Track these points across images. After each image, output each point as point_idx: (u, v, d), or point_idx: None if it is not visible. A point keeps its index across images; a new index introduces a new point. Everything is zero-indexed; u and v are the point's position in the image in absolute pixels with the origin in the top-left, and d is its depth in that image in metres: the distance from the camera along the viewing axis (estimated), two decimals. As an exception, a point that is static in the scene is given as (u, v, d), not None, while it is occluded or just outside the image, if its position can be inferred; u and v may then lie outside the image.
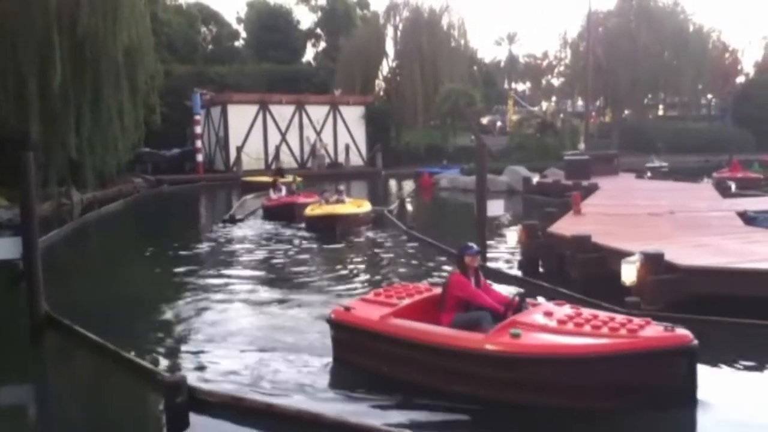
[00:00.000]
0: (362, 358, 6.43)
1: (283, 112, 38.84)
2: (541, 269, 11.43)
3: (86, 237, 18.69)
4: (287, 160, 38.42)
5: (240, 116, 37.69)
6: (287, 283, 10.92)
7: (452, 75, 40.76)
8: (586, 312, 6.17)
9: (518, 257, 11.95)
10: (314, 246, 14.52)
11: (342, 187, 18.95)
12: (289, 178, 28.86)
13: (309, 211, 16.66)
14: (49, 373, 7.45)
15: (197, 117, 37.60)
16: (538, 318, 6.04)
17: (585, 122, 34.98)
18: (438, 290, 7.02)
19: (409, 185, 31.43)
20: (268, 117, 38.58)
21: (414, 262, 12.50)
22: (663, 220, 12.69)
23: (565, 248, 10.63)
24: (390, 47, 47.41)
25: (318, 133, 39.73)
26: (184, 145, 40.04)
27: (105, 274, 12.95)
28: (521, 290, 6.58)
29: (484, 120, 55.76)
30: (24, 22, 18.86)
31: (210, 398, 5.68)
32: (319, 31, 59.42)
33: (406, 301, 6.71)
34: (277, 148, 38.04)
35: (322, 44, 59.96)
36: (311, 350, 7.18)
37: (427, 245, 13.73)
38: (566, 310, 6.24)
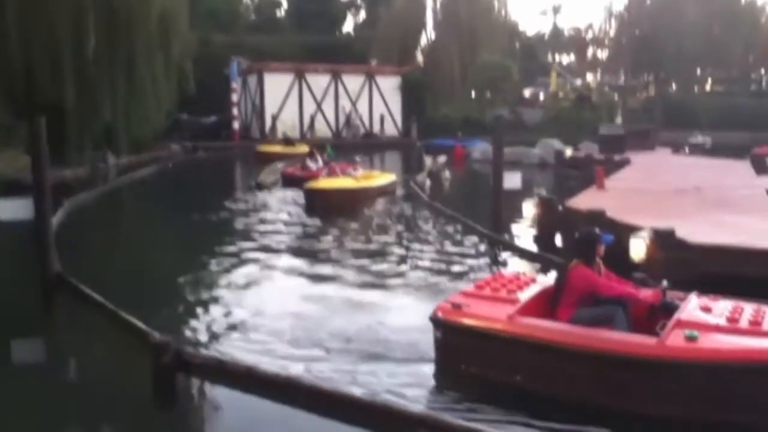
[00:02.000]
0: (484, 366, 5.48)
1: (319, 81, 38.86)
2: (559, 244, 11.28)
3: (116, 200, 19.12)
4: (322, 129, 38.60)
5: (276, 85, 37.82)
6: (309, 257, 10.50)
7: (491, 47, 40.07)
8: (748, 307, 5.39)
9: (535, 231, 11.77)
10: (327, 221, 13.67)
11: (358, 159, 18.62)
12: (300, 147, 29.01)
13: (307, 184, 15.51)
14: (55, 331, 7.63)
15: (234, 85, 37.84)
16: (702, 315, 5.22)
17: (623, 96, 33.90)
18: (543, 280, 6.38)
19: (442, 157, 31.19)
20: (304, 86, 38.63)
21: (430, 237, 12.30)
22: (687, 197, 12.36)
23: (580, 223, 10.43)
24: (429, 18, 46.81)
25: (353, 103, 39.67)
26: (223, 112, 40.43)
27: (125, 237, 13.25)
28: (664, 283, 5.66)
29: (527, 92, 54.96)
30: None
31: (195, 360, 5.75)
32: (359, 1, 58.95)
33: (525, 296, 5.80)
34: (312, 117, 38.16)
35: (362, 15, 59.56)
36: (390, 350, 6.19)
37: (449, 218, 13.56)
38: (724, 304, 5.50)
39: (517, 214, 13.22)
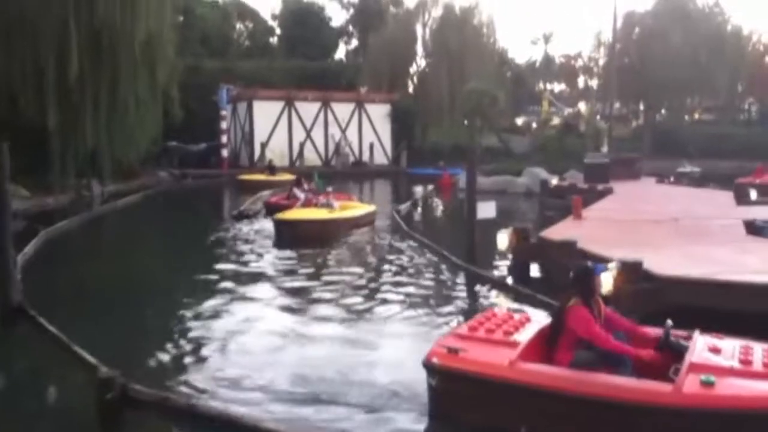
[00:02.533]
0: (485, 415, 5.13)
1: (308, 108, 38.96)
2: (534, 274, 11.21)
3: (96, 228, 18.93)
4: (311, 158, 38.62)
5: (265, 112, 37.93)
6: (278, 290, 10.32)
7: (480, 74, 40.29)
8: (757, 347, 5.22)
9: (508, 262, 11.68)
10: (299, 253, 13.21)
11: (330, 189, 17.87)
12: (283, 176, 28.90)
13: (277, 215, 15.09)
14: (8, 361, 7.47)
15: (223, 112, 37.93)
16: (714, 358, 5.02)
17: (609, 125, 34.08)
18: (538, 320, 6.08)
19: (429, 186, 31.21)
20: (294, 114, 38.73)
21: (409, 269, 12.01)
22: (663, 227, 12.31)
23: (553, 253, 10.38)
24: (419, 46, 47.17)
25: (343, 131, 39.75)
26: (213, 139, 40.46)
27: (100, 263, 13.11)
28: (669, 322, 5.38)
29: (519, 121, 55.24)
30: (41, 12, 19.13)
31: (139, 396, 5.62)
32: (351, 28, 59.44)
33: (523, 338, 5.44)
34: (302, 145, 38.20)
35: (354, 42, 60.02)
36: (371, 395, 5.84)
37: (428, 249, 13.37)
38: (732, 344, 5.31)
39: (494, 244, 13.11)
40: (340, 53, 59.94)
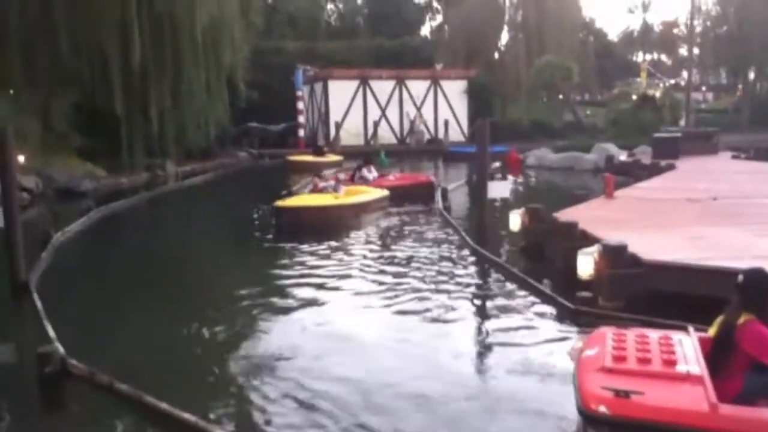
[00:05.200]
0: None
1: (383, 87, 38.99)
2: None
3: (155, 207, 19.83)
4: (386, 136, 38.68)
5: (340, 92, 38.26)
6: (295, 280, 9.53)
7: (560, 46, 38.87)
8: None
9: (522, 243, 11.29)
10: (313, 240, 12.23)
11: (343, 176, 17.11)
12: (330, 156, 28.71)
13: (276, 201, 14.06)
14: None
15: (299, 93, 38.59)
16: None
17: (687, 95, 32.01)
18: (683, 337, 4.79)
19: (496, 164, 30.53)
20: (368, 92, 38.86)
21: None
22: (694, 207, 11.53)
23: (555, 235, 9.95)
24: (499, 19, 45.93)
25: (418, 109, 39.49)
26: (292, 120, 41.33)
27: (139, 242, 13.72)
28: None
29: (616, 91, 52.87)
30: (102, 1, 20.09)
31: (78, 372, 5.87)
32: (435, 3, 58.78)
33: (698, 370, 4.27)
34: (376, 124, 38.30)
35: (439, 18, 59.37)
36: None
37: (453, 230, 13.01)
38: None
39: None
40: (426, 30, 59.54)
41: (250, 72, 31.91)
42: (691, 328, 4.93)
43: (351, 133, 37.55)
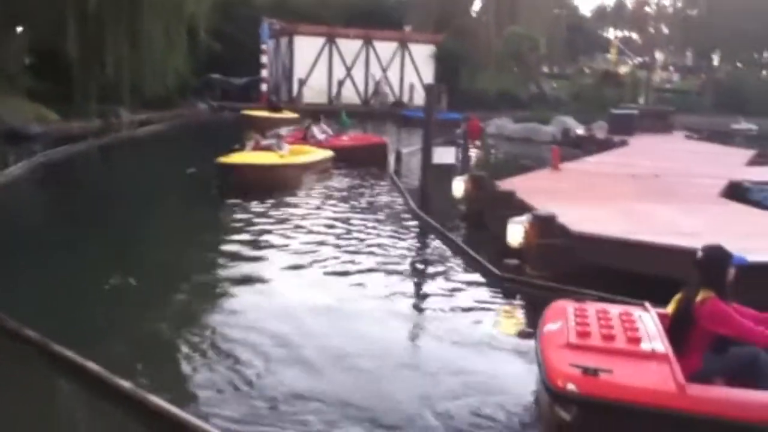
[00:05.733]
0: None
1: (350, 46, 38.49)
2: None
3: (102, 154, 19.38)
4: (350, 96, 38.34)
5: (306, 48, 37.73)
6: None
7: (531, 18, 38.73)
8: None
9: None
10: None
11: (284, 132, 16.65)
12: (287, 113, 28.32)
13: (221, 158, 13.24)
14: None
15: (264, 47, 37.86)
16: None
17: (647, 74, 32.30)
18: (644, 314, 4.74)
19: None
20: (335, 51, 38.33)
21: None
22: (636, 183, 11.71)
23: (494, 203, 10.03)
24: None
25: (384, 71, 39.15)
26: (257, 74, 40.57)
27: (74, 191, 13.43)
28: None
29: (586, 69, 53.02)
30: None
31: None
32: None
33: (663, 348, 4.22)
34: (340, 83, 37.89)
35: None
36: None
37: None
38: None
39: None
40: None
41: (216, 22, 31.12)
42: (647, 305, 4.93)
43: (314, 91, 37.07)
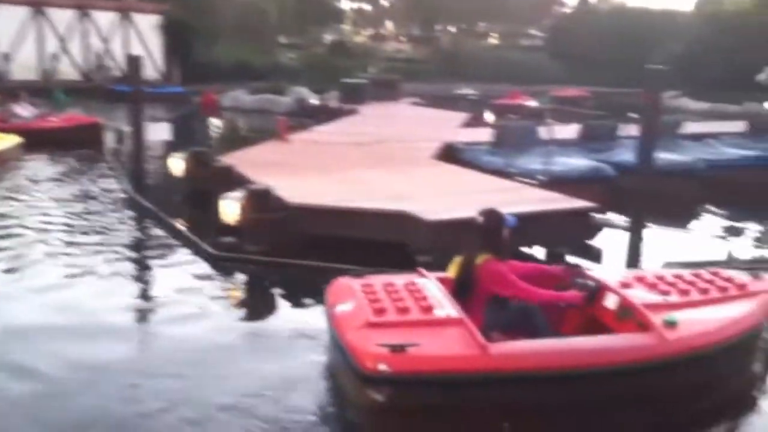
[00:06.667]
0: (453, 424, 4.01)
1: (62, 17, 34.76)
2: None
3: None
4: (69, 72, 34.82)
5: (9, 19, 33.23)
6: None
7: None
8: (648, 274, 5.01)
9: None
10: None
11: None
12: None
13: None
14: None
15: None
16: (650, 294, 4.61)
17: (376, 44, 33.80)
18: (425, 281, 4.74)
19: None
20: (44, 22, 34.38)
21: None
22: (359, 151, 11.97)
23: (215, 179, 9.50)
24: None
25: (106, 43, 36.06)
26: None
27: None
28: (573, 260, 5.08)
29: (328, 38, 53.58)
30: None
31: None
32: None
33: (456, 312, 4.26)
34: (54, 58, 34.17)
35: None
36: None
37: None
38: (639, 273, 5.10)
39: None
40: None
41: None
42: (423, 270, 4.93)
43: (24, 67, 32.98)
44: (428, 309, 4.31)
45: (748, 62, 37.66)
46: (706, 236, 9.30)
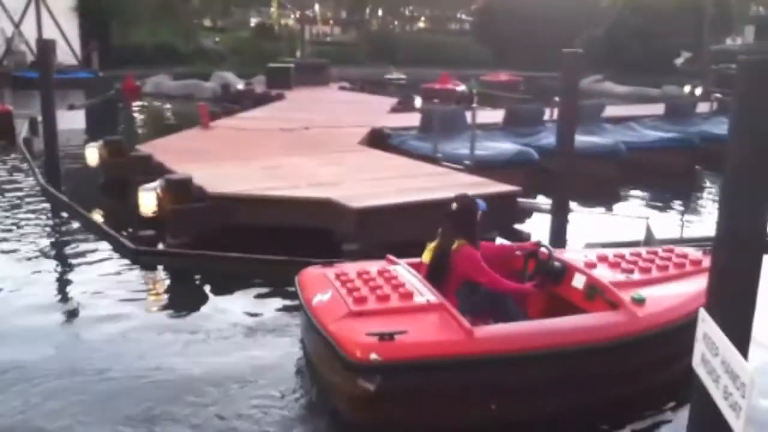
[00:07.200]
0: (443, 408, 3.99)
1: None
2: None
3: None
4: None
5: None
6: None
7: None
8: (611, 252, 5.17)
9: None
10: None
11: None
12: None
13: None
14: None
15: None
16: (614, 273, 4.75)
17: (301, 28, 33.36)
18: (395, 268, 4.70)
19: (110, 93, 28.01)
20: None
21: None
22: (285, 137, 11.69)
23: (135, 169, 9.10)
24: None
25: (17, 26, 34.24)
26: None
27: None
28: (540, 241, 5.02)
29: (253, 22, 52.31)
30: None
31: None
32: None
33: (435, 298, 4.25)
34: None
35: None
36: None
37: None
38: (599, 252, 5.19)
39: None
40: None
41: None
42: (392, 257, 4.89)
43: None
44: (408, 295, 4.30)
45: (667, 46, 38.96)
46: (628, 216, 9.51)
